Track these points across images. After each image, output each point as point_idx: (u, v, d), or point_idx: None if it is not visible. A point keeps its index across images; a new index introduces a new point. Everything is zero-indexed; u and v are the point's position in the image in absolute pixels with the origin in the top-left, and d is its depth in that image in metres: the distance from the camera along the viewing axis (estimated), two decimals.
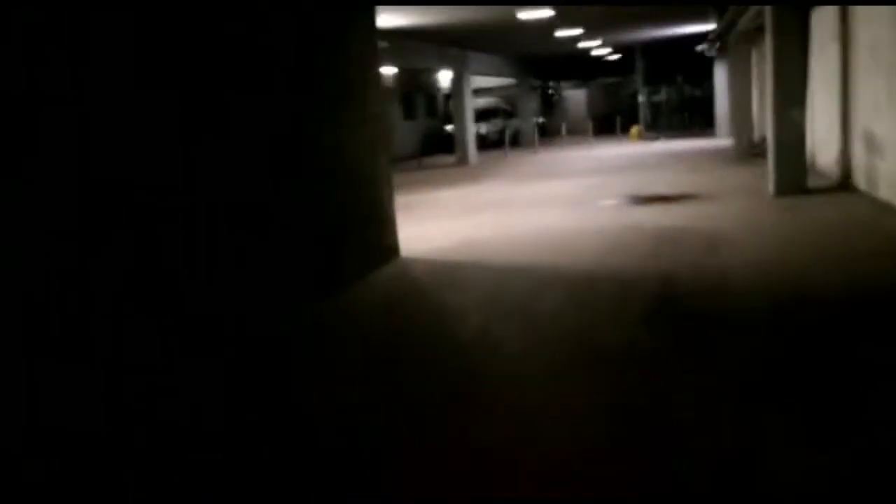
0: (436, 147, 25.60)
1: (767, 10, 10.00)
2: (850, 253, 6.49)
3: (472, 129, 21.47)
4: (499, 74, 25.72)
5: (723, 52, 21.71)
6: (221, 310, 4.99)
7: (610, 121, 27.47)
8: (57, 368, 3.55)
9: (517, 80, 27.62)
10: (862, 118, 9.46)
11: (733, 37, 16.65)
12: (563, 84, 33.71)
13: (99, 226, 3.85)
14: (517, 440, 3.39)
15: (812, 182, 10.21)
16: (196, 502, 3.07)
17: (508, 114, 28.98)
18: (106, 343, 3.89)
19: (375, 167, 7.60)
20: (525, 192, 13.11)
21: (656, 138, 25.10)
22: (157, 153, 4.42)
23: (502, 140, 24.61)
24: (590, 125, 26.49)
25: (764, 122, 18.25)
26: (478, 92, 26.69)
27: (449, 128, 24.26)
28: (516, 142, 26.77)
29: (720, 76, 23.40)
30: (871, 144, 9.03)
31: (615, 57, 27.50)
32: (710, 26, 19.30)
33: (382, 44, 13.13)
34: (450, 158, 21.92)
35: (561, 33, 17.71)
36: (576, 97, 33.94)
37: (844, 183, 10.28)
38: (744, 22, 14.07)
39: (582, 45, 21.50)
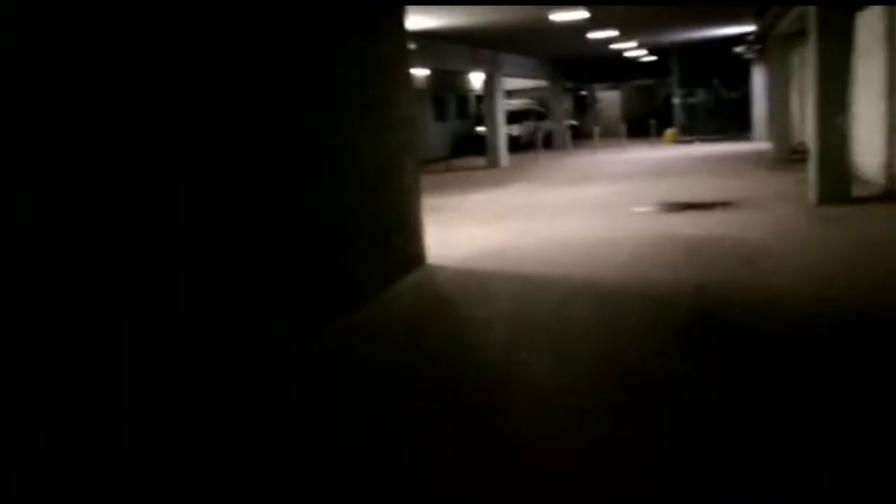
0: (467, 149, 25.40)
1: (812, 11, 9.64)
2: None
3: (504, 132, 21.23)
4: (531, 76, 25.44)
5: (761, 54, 21.21)
6: (233, 321, 4.85)
7: (644, 123, 27.00)
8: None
9: (549, 82, 27.30)
10: None
11: (773, 39, 16.21)
12: (596, 86, 33.27)
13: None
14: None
15: (856, 190, 9.82)
16: None
17: (540, 116, 28.66)
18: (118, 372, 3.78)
19: (403, 172, 7.44)
20: (556, 196, 12.86)
21: (691, 142, 24.62)
22: (166, 155, 4.29)
23: (534, 142, 24.31)
24: (623, 128, 26.08)
25: (804, 126, 17.79)
26: (510, 94, 26.44)
27: (480, 130, 24.03)
28: (548, 144, 26.46)
29: (758, 79, 22.88)
30: None
31: (650, 59, 27.03)
32: (747, 28, 18.85)
33: (412, 45, 13.01)
34: (480, 161, 21.71)
35: (594, 35, 17.39)
36: (609, 99, 33.49)
37: (890, 192, 9.87)
38: (785, 24, 13.66)
39: (616, 46, 21.14)
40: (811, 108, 9.84)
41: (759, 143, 21.21)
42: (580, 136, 29.36)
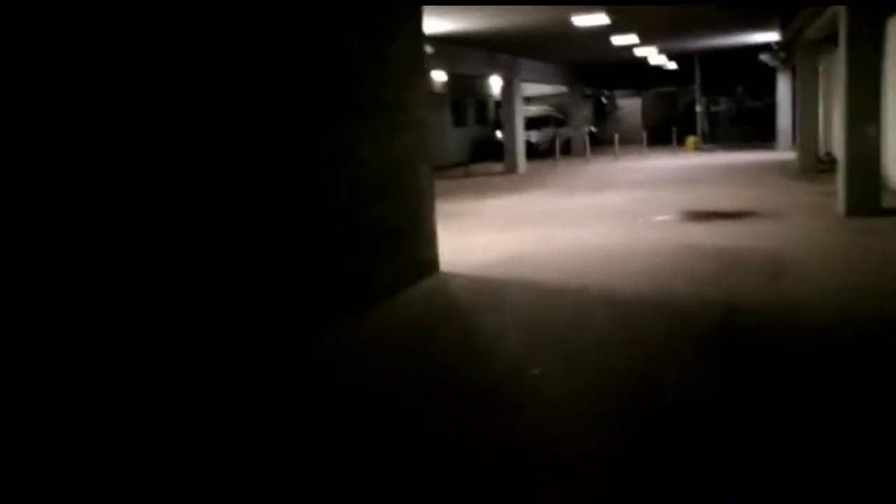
0: (485, 154, 25.17)
1: (842, 17, 9.32)
2: None
3: (522, 138, 20.98)
4: (550, 82, 25.18)
5: (786, 62, 20.83)
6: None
7: (665, 131, 26.63)
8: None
9: (569, 88, 27.01)
10: None
11: (800, 46, 15.85)
12: (616, 92, 32.93)
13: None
14: None
15: (886, 201, 9.48)
16: None
17: (559, 122, 28.37)
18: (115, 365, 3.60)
19: (416, 176, 7.22)
20: (574, 204, 12.59)
21: (714, 150, 24.24)
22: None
23: (553, 149, 24.03)
24: (644, 135, 25.73)
25: (830, 135, 17.39)
26: (529, 99, 26.20)
27: (499, 135, 23.79)
28: (567, 151, 26.17)
29: (783, 87, 22.51)
30: None
31: (672, 65, 26.67)
32: (772, 35, 18.48)
33: (429, 48, 12.82)
34: (498, 166, 21.46)
35: (616, 40, 17.12)
36: (630, 106, 33.11)
37: None
38: (812, 30, 13.32)
39: (638, 52, 20.83)
40: (838, 117, 9.52)
41: (782, 153, 20.82)
42: (600, 144, 29.03)
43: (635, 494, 2.96)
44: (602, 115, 33.52)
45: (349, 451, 3.49)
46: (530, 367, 4.56)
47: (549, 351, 4.83)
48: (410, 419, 3.85)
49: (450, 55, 16.62)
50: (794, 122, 20.49)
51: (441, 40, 15.21)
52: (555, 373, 4.43)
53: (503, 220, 10.98)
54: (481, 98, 28.33)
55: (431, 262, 7.46)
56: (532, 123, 26.11)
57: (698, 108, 26.81)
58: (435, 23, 12.93)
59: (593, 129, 30.76)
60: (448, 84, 24.27)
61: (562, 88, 27.31)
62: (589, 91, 30.34)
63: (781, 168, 16.53)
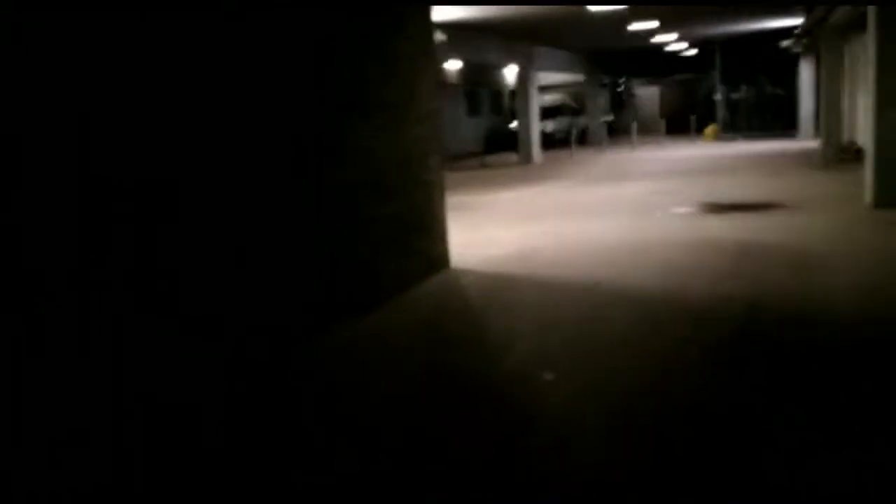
0: (501, 145, 24.83)
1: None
2: None
3: (537, 128, 20.63)
4: (567, 70, 24.77)
5: (809, 48, 20.31)
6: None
7: (684, 120, 26.15)
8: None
9: (586, 77, 26.58)
10: None
11: (824, 32, 15.38)
12: (634, 81, 32.41)
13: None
14: None
15: None
16: None
17: (576, 111, 27.96)
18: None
19: (425, 170, 6.96)
20: (590, 195, 12.28)
21: (734, 139, 23.76)
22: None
23: (569, 139, 23.65)
24: (662, 124, 25.28)
25: (854, 124, 16.91)
26: (544, 88, 25.81)
27: (514, 125, 23.44)
28: (583, 141, 25.79)
29: (805, 74, 21.98)
30: None
31: (691, 52, 26.15)
32: (795, 21, 17.99)
33: (441, 36, 12.55)
34: (513, 157, 21.15)
35: (634, 27, 16.72)
36: (647, 94, 32.58)
37: None
38: (838, 15, 12.89)
39: (656, 39, 20.39)
40: (863, 105, 9.15)
41: (805, 142, 20.33)
42: (617, 133, 28.61)
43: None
44: (619, 103, 33.02)
45: (343, 460, 3.27)
46: (540, 371, 4.32)
47: (559, 354, 4.58)
48: (410, 425, 3.62)
49: (464, 44, 16.31)
50: (816, 110, 20.01)
51: (455, 28, 14.90)
52: (565, 378, 4.18)
53: (516, 214, 10.71)
54: (496, 87, 27.97)
55: (442, 258, 7.21)
56: (548, 113, 25.75)
57: (718, 97, 26.28)
58: (449, 10, 12.63)
59: (610, 118, 30.30)
60: (462, 73, 23.95)
61: (578, 77, 26.88)
62: (606, 79, 29.87)
63: (804, 157, 16.10)
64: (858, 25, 14.12)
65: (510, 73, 26.40)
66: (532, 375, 4.27)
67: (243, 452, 3.48)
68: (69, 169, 3.49)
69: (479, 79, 25.90)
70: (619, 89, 33.05)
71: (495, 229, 9.37)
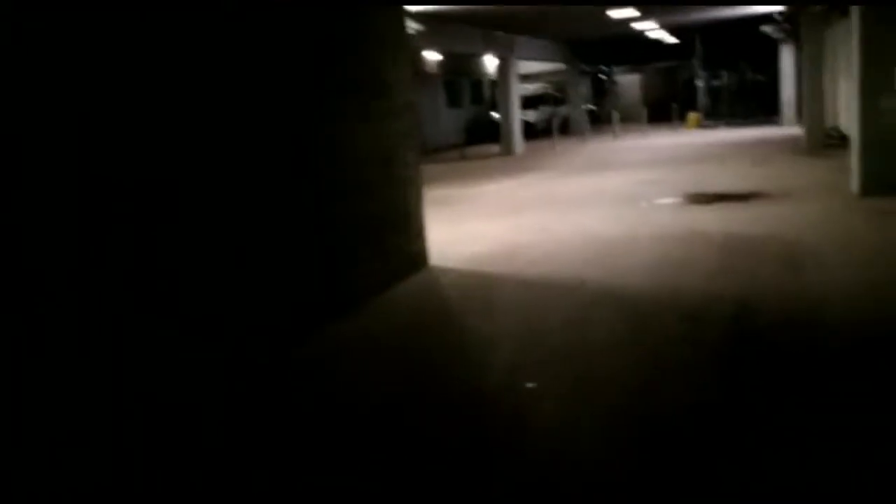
0: (482, 136, 24.51)
1: None
2: None
3: (519, 118, 20.35)
4: (547, 59, 24.49)
5: (790, 34, 20.16)
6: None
7: (665, 108, 25.95)
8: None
9: (566, 65, 26.30)
10: None
11: (805, 17, 15.20)
12: (615, 69, 32.17)
13: (103, 228, 3.66)
14: None
15: None
16: None
17: (557, 100, 27.69)
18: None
19: (402, 165, 6.68)
20: (573, 187, 12.04)
21: (716, 126, 23.62)
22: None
23: (550, 128, 23.38)
24: (644, 112, 25.09)
25: (837, 110, 16.78)
26: (525, 77, 25.52)
27: (495, 116, 23.14)
28: (565, 130, 25.53)
29: (786, 60, 21.85)
30: None
31: (672, 40, 25.94)
32: (776, 7, 17.81)
33: (417, 26, 12.23)
34: (495, 148, 20.86)
35: (614, 14, 16.45)
36: (629, 83, 32.37)
37: None
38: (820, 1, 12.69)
39: (636, 26, 20.15)
40: (847, 91, 8.97)
41: (787, 128, 20.22)
42: (599, 122, 28.37)
43: None
44: (601, 92, 32.77)
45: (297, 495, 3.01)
46: (522, 379, 4.07)
47: (542, 360, 4.33)
48: (381, 440, 3.36)
49: (442, 34, 15.98)
50: (798, 96, 19.88)
51: (433, 17, 14.57)
52: (548, 387, 3.93)
53: (498, 207, 10.45)
54: (477, 77, 27.63)
55: (420, 257, 6.95)
56: (529, 102, 25.46)
57: (699, 83, 26.12)
58: (429, 5, 12.29)
59: (592, 107, 30.07)
60: (442, 63, 23.58)
61: (559, 66, 26.60)
62: (587, 68, 29.60)
63: (787, 144, 15.96)
64: (839, 10, 13.96)
65: (491, 62, 26.07)
66: (511, 387, 4.02)
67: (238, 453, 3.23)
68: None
69: (460, 69, 25.55)
70: (600, 78, 32.81)
71: (477, 224, 9.11)
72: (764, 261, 6.15)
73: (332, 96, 5.64)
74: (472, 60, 26.12)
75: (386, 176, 6.41)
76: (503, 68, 20.04)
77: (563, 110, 26.95)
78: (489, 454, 3.25)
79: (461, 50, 18.47)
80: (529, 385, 4.00)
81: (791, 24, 18.35)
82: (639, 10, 12.40)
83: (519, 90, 20.81)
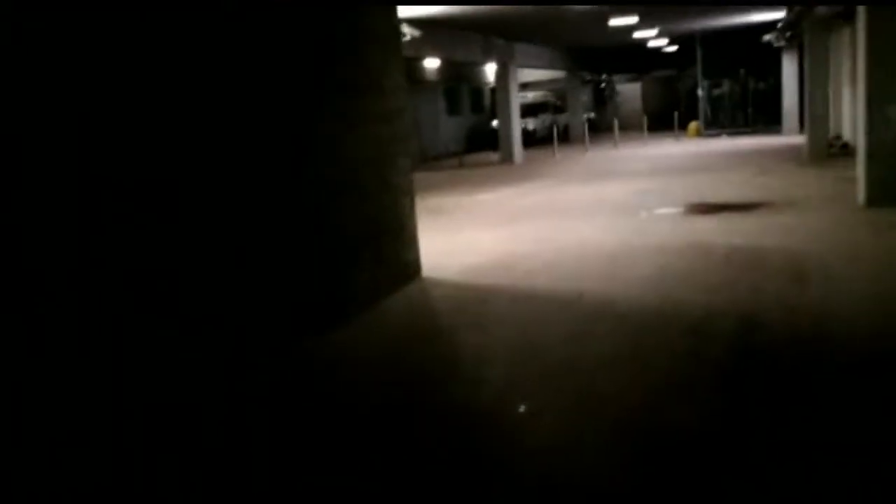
0: (482, 143, 24.34)
1: None
2: None
3: (518, 126, 20.15)
4: (547, 67, 24.33)
5: (792, 42, 19.98)
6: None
7: (666, 116, 25.78)
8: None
9: (566, 73, 26.15)
10: None
11: (808, 24, 15.02)
12: (615, 77, 32.04)
13: (103, 228, 3.65)
14: None
15: None
16: None
17: (557, 109, 27.53)
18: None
19: (393, 172, 6.47)
20: (572, 196, 11.83)
21: (717, 135, 23.44)
22: (145, 151, 3.93)
23: (550, 136, 23.19)
24: (644, 121, 24.91)
25: (840, 117, 16.59)
26: (525, 85, 25.37)
27: (495, 124, 22.97)
28: (565, 138, 25.36)
29: (788, 68, 21.66)
30: None
31: (672, 48, 25.78)
32: (778, 14, 17.64)
33: (414, 32, 12.03)
34: (495, 156, 20.67)
35: (615, 22, 16.28)
36: (629, 91, 32.22)
37: None
38: (823, 7, 12.52)
39: (637, 35, 19.98)
40: (851, 99, 8.77)
41: (789, 137, 20.02)
42: (599, 130, 28.22)
43: None
44: (601, 100, 32.64)
45: None
46: (515, 402, 3.85)
47: (537, 380, 4.10)
48: (361, 471, 3.14)
49: (441, 41, 15.80)
50: (800, 105, 19.69)
51: (431, 24, 14.39)
52: (543, 410, 3.71)
53: (495, 216, 10.23)
54: (476, 85, 27.47)
55: (412, 268, 6.73)
56: (529, 110, 25.30)
57: (700, 92, 25.95)
58: (424, 6, 12.11)
59: (592, 115, 29.91)
60: (441, 71, 23.43)
61: (559, 74, 26.44)
62: (587, 76, 29.48)
63: (789, 153, 15.75)
64: (843, 17, 13.79)
65: (491, 70, 25.91)
66: (502, 411, 3.79)
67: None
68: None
69: (459, 76, 25.40)
70: (601, 86, 32.67)
71: (472, 234, 8.89)
72: (768, 273, 5.92)
73: (331, 97, 5.50)
74: (473, 67, 25.99)
75: (376, 183, 6.21)
76: (502, 76, 19.87)
77: (562, 119, 26.79)
78: (487, 472, 3.02)
79: (461, 57, 18.27)
80: (520, 409, 3.77)
81: (793, 32, 18.16)
82: (639, 16, 12.18)
83: (518, 98, 20.62)
